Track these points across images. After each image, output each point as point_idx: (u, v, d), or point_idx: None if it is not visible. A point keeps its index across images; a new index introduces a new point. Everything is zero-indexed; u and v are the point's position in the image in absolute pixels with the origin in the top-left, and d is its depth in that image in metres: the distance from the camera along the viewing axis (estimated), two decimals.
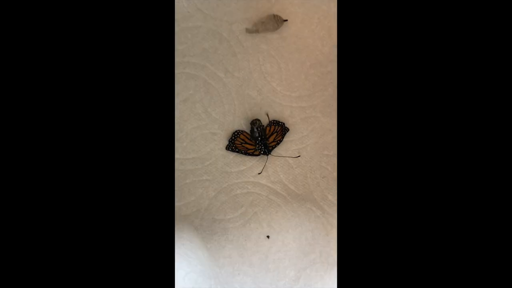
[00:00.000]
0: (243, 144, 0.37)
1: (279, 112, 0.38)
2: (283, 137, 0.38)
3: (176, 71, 0.38)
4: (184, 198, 0.37)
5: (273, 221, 0.37)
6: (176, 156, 0.37)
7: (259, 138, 0.37)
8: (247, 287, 0.35)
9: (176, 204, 0.36)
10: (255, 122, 0.37)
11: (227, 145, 0.37)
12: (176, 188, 0.37)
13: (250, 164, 0.38)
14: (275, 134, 0.38)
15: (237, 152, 0.37)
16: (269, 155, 0.37)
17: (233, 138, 0.37)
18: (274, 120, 0.38)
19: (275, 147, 0.38)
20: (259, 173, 0.37)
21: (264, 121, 0.38)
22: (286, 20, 0.38)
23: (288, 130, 0.38)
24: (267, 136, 0.37)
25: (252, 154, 0.37)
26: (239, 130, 0.38)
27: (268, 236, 0.36)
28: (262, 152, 0.37)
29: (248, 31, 0.38)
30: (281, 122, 0.38)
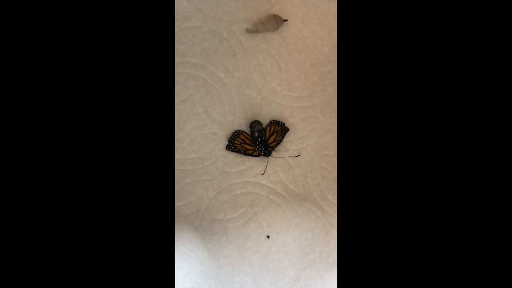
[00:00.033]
0: (242, 145, 0.37)
1: (279, 112, 0.38)
2: (283, 137, 0.38)
3: (176, 71, 0.38)
4: (184, 198, 0.37)
5: (273, 221, 0.37)
6: (176, 156, 0.37)
7: (259, 139, 0.37)
8: (247, 287, 0.35)
9: (176, 204, 0.36)
10: (254, 125, 0.37)
11: (227, 145, 0.37)
12: (176, 188, 0.37)
13: (250, 164, 0.38)
14: (275, 134, 0.38)
15: (237, 152, 0.37)
16: (270, 156, 0.37)
17: (232, 138, 0.37)
18: (274, 120, 0.38)
19: (276, 147, 0.38)
20: (262, 174, 0.37)
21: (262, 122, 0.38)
22: (286, 20, 0.38)
23: (288, 130, 0.38)
24: (267, 137, 0.37)
25: (251, 155, 0.37)
26: (239, 130, 0.38)
27: (268, 236, 0.36)
28: (262, 153, 0.37)
29: (248, 31, 0.38)
30: (281, 122, 0.38)
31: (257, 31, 0.38)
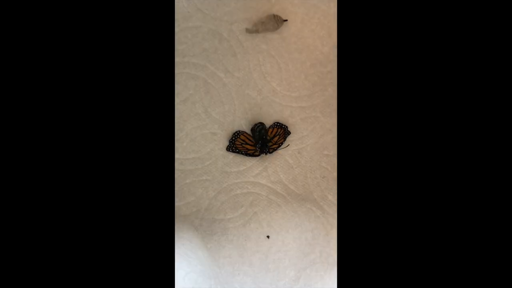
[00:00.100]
0: (243, 145, 0.37)
1: (279, 112, 0.38)
2: (284, 140, 0.38)
3: (176, 71, 0.38)
4: (184, 198, 0.37)
5: (273, 221, 0.37)
6: (176, 156, 0.37)
7: (260, 141, 0.37)
8: (247, 287, 0.35)
9: (176, 204, 0.36)
10: (256, 128, 0.37)
11: (228, 146, 0.37)
12: (176, 188, 0.37)
13: (250, 164, 0.38)
14: (277, 136, 0.38)
15: (237, 152, 0.37)
16: (267, 154, 0.37)
17: (233, 138, 0.37)
18: (277, 123, 0.38)
19: (277, 149, 0.38)
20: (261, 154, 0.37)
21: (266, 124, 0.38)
22: (286, 20, 0.38)
23: (290, 133, 0.38)
24: (269, 138, 0.37)
25: (252, 155, 0.37)
26: (239, 131, 0.38)
27: (268, 236, 0.36)
28: (263, 152, 0.37)
29: (248, 31, 0.38)
30: (284, 125, 0.38)
31: (257, 31, 0.38)
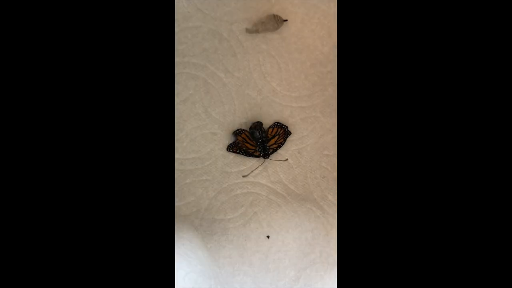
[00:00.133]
0: (244, 143, 0.37)
1: (279, 112, 0.38)
2: (285, 140, 0.38)
3: (176, 71, 0.38)
4: (184, 198, 0.37)
5: (273, 221, 0.37)
6: (176, 156, 0.37)
7: (260, 140, 0.37)
8: (247, 287, 0.35)
9: (176, 204, 0.36)
10: (255, 126, 0.37)
11: (228, 145, 0.37)
12: (176, 188, 0.37)
13: (250, 164, 0.38)
14: (277, 136, 0.38)
15: (238, 152, 0.37)
16: (266, 159, 0.37)
17: (237, 132, 0.37)
18: (278, 123, 0.38)
19: (277, 149, 0.38)
20: (244, 176, 0.37)
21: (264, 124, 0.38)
22: (286, 20, 0.38)
23: (290, 133, 0.38)
24: (268, 138, 0.37)
25: (252, 155, 0.37)
26: (240, 129, 0.37)
27: (268, 236, 0.36)
28: (261, 154, 0.37)
29: (248, 31, 0.38)
30: (284, 125, 0.38)
31: (257, 31, 0.38)
